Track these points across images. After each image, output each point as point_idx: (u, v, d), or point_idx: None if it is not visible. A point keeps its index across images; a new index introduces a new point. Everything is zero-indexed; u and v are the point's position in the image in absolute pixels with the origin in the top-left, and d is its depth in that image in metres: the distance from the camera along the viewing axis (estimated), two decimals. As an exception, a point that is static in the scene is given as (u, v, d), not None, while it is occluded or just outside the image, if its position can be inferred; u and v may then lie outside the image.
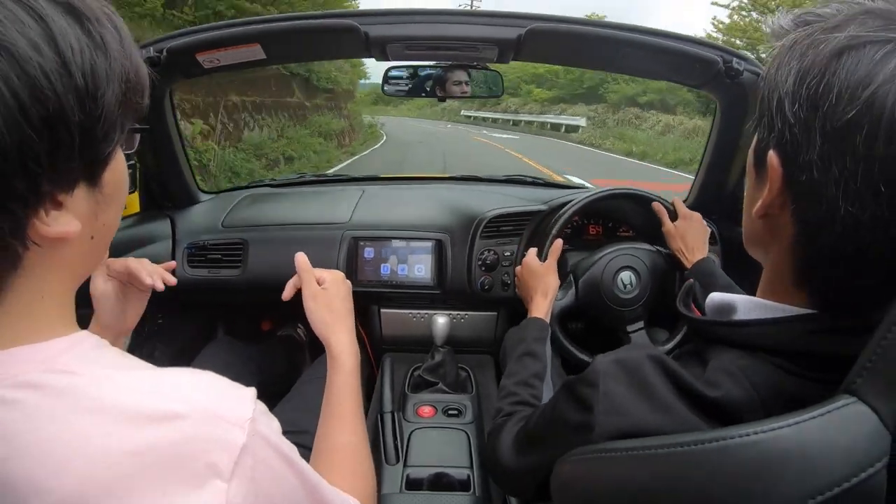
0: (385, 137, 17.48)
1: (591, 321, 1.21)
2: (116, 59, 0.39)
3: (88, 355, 0.41)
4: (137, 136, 0.49)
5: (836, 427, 0.35)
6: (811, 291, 0.45)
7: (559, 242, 1.11)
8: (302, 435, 0.69)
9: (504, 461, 0.69)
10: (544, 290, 1.05)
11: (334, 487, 0.55)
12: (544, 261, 1.10)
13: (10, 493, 0.35)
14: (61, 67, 0.35)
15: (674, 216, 1.17)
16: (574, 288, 1.13)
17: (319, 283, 0.80)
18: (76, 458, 0.36)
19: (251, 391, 0.43)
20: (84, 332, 0.43)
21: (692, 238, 1.12)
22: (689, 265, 1.09)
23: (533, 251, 1.14)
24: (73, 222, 0.39)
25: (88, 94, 0.37)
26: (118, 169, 0.44)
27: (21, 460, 0.36)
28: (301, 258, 0.81)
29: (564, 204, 1.20)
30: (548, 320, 1.01)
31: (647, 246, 1.14)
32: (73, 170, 0.38)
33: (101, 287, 0.76)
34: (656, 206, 1.17)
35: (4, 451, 0.36)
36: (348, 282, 0.83)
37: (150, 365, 0.43)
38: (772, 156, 0.44)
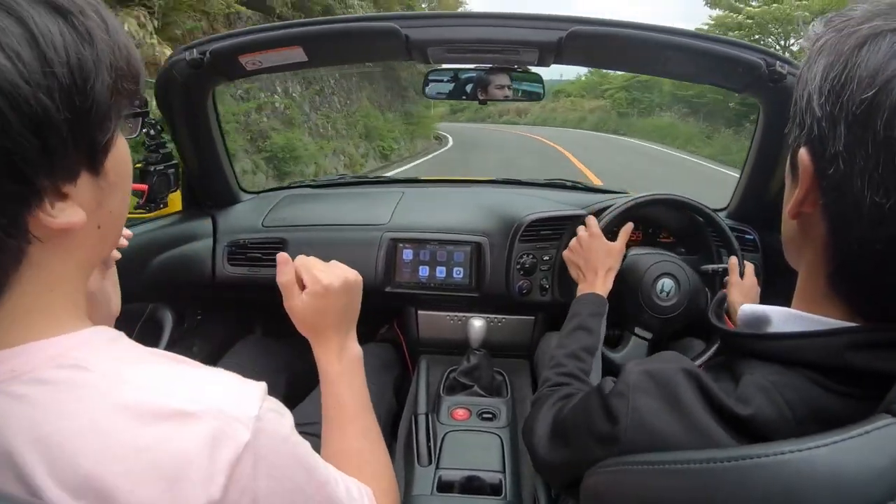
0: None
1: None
2: (103, 48, 0.39)
3: (101, 349, 0.42)
4: (139, 121, 0.50)
5: (873, 448, 0.34)
6: (843, 295, 0.45)
7: (630, 226, 1.09)
8: (316, 426, 0.69)
9: (538, 448, 0.67)
10: (607, 269, 1.02)
11: (349, 478, 0.55)
12: (612, 240, 1.06)
13: (22, 487, 0.36)
14: (43, 69, 0.35)
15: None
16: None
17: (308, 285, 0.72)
18: (85, 452, 0.36)
19: (261, 387, 0.44)
20: (100, 327, 0.43)
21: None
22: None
23: (593, 220, 1.08)
24: (78, 213, 0.39)
25: (76, 89, 0.37)
26: (120, 155, 0.44)
27: (31, 455, 0.36)
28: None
29: (605, 209, 1.18)
30: (605, 296, 0.98)
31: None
32: (71, 161, 0.39)
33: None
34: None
35: (16, 446, 0.36)
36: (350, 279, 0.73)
37: (161, 357, 0.43)
38: (802, 152, 0.44)
